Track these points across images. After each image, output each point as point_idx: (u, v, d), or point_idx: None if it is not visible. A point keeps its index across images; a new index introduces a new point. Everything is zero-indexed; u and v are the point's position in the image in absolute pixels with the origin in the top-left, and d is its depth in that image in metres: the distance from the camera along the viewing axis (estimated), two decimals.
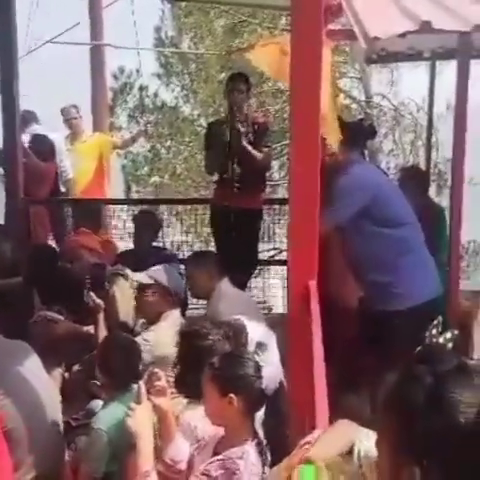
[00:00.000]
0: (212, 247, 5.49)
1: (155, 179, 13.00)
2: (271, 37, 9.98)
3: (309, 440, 1.50)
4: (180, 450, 2.30)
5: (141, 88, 13.46)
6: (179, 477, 2.30)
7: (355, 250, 3.54)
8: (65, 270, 4.24)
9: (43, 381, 2.85)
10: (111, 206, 6.66)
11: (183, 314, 3.96)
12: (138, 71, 13.04)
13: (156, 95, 13.58)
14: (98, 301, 3.72)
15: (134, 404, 2.07)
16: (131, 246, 5.28)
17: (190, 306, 4.83)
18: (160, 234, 5.60)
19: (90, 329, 3.80)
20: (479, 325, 4.66)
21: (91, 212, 6.43)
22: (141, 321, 4.00)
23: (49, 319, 3.75)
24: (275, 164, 11.15)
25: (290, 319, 2.61)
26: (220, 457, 2.14)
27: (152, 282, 3.72)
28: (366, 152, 4.77)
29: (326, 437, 1.47)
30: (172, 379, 2.77)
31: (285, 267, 3.51)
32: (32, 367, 2.78)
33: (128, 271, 4.22)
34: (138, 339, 3.44)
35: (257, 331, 3.13)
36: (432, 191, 8.82)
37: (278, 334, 3.26)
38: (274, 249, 9.08)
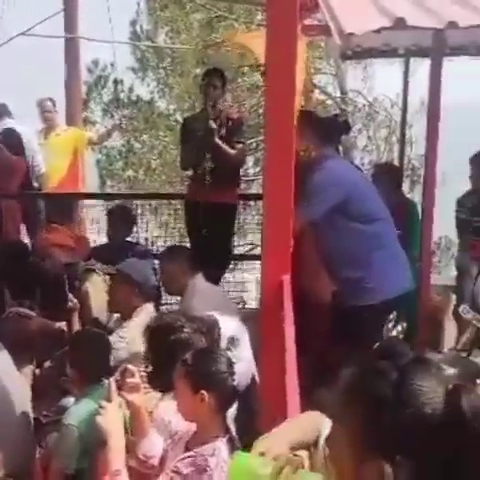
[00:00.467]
0: (187, 242, 5.48)
1: (129, 174, 12.92)
2: (247, 32, 9.97)
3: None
4: (153, 445, 2.30)
5: (116, 82, 13.35)
6: (152, 472, 2.29)
7: (328, 245, 3.55)
8: (37, 266, 4.19)
9: (13, 378, 2.82)
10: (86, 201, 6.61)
11: (157, 309, 3.95)
12: (113, 65, 12.92)
13: (131, 89, 13.49)
14: (75, 301, 3.72)
15: (104, 402, 2.06)
16: (106, 241, 5.26)
17: (164, 302, 4.81)
18: (134, 229, 5.57)
19: (62, 325, 3.77)
20: (449, 319, 4.73)
21: (64, 207, 6.36)
22: (115, 317, 3.98)
23: (21, 315, 3.71)
24: (250, 160, 11.16)
25: (263, 313, 2.61)
26: (191, 454, 2.14)
27: (116, 274, 3.72)
28: (340, 148, 4.79)
29: (284, 428, 1.46)
30: (146, 374, 2.75)
31: (259, 262, 3.52)
32: (1, 364, 2.75)
33: (101, 266, 4.20)
34: (113, 336, 3.43)
35: (230, 326, 3.13)
36: (406, 187, 8.92)
37: (252, 328, 3.26)
38: (249, 244, 9.10)
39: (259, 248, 5.65)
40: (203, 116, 4.96)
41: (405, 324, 2.96)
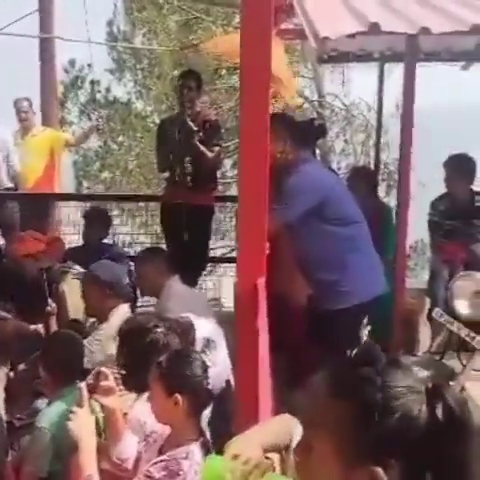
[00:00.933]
0: (163, 244, 5.46)
1: (106, 175, 12.85)
2: (224, 34, 9.98)
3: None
4: (128, 448, 2.29)
5: (93, 82, 13.27)
6: (126, 475, 2.29)
7: (304, 248, 3.57)
8: (11, 268, 4.15)
9: None
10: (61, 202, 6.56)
11: (133, 311, 3.93)
12: (90, 65, 12.85)
13: (108, 90, 13.42)
14: (54, 305, 3.70)
15: (76, 407, 2.04)
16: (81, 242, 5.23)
17: (141, 304, 4.79)
18: (110, 231, 5.55)
19: (38, 328, 3.74)
20: (424, 323, 4.77)
21: (40, 207, 6.31)
22: (92, 319, 3.95)
23: None
24: (228, 162, 11.17)
25: (237, 316, 2.61)
26: (164, 457, 2.13)
27: (86, 275, 3.71)
28: (318, 151, 4.83)
29: (257, 430, 1.46)
30: (120, 376, 2.74)
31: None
32: None
33: (76, 267, 4.18)
34: (89, 339, 3.41)
35: (206, 328, 3.13)
36: (382, 191, 8.99)
37: (228, 331, 3.26)
38: (227, 247, 9.10)
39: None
40: (180, 118, 4.96)
41: (370, 327, 2.99)
